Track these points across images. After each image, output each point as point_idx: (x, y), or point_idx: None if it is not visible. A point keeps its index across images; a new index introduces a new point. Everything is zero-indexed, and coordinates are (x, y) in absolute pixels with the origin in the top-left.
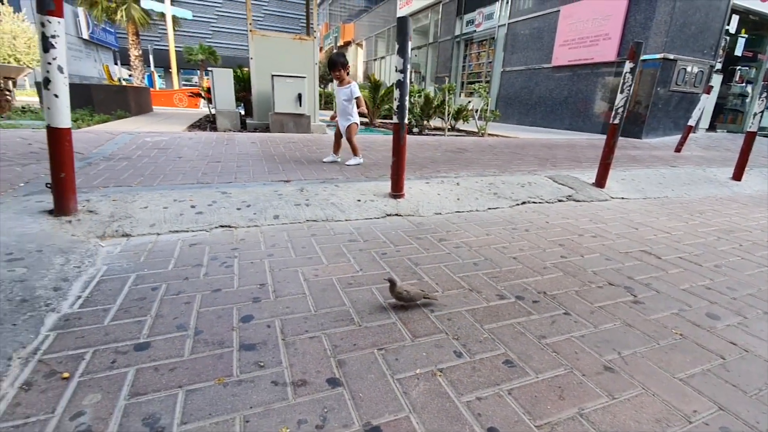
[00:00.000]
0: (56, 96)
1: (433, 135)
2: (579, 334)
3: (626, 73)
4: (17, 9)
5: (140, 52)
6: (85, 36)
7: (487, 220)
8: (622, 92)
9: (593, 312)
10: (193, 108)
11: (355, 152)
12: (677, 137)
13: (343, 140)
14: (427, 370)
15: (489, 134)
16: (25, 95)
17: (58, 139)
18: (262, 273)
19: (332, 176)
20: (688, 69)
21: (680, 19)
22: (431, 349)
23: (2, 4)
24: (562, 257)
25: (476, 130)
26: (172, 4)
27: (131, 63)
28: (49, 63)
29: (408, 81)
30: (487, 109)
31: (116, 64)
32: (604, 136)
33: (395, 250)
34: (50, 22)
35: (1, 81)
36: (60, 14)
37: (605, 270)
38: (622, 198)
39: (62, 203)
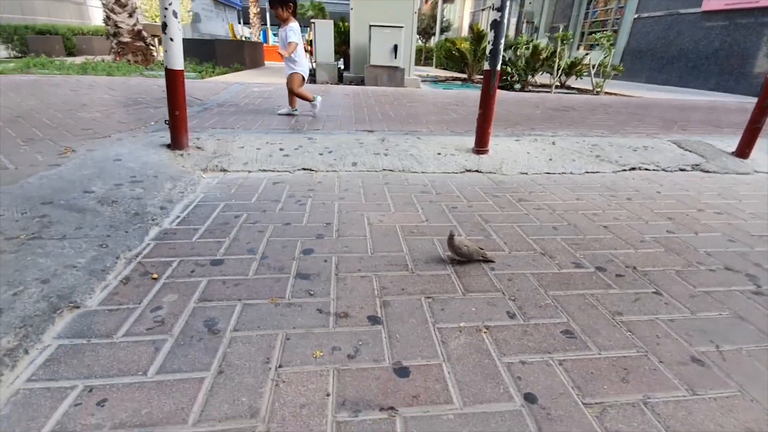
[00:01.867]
0: (171, 40)
1: (538, 92)
2: (668, 317)
3: None
4: None
5: (258, 9)
6: None
7: (581, 184)
8: None
9: (694, 296)
10: None
11: (308, 99)
12: None
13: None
14: (472, 325)
15: (606, 92)
16: None
17: (173, 80)
18: (331, 213)
19: (416, 129)
20: None
21: None
22: (482, 306)
23: None
24: (669, 232)
25: (590, 87)
26: None
27: (250, 20)
28: (166, 8)
29: (505, 21)
30: (607, 64)
31: (240, 23)
32: None
33: (467, 205)
34: None
35: (149, 38)
36: None
37: (724, 252)
38: None
39: (176, 139)
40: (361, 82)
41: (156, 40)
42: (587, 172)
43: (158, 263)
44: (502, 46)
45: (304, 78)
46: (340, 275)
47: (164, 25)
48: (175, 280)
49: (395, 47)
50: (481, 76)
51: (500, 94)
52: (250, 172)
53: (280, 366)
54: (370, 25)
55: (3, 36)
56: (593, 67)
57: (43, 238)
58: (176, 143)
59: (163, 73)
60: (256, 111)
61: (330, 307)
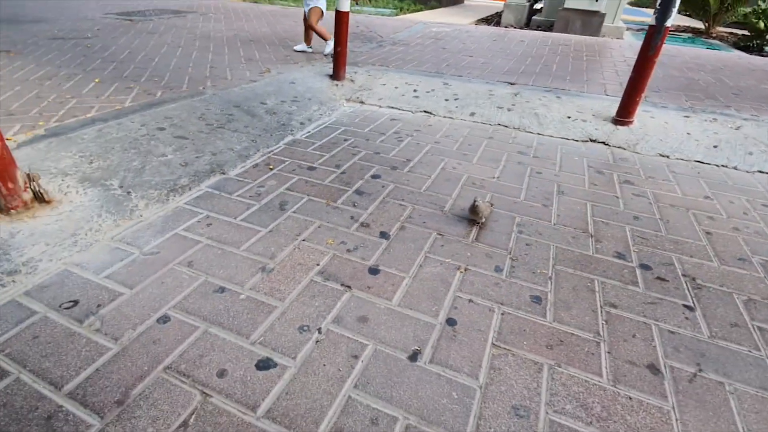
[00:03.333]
0: None
1: None
2: (670, 327)
3: None
4: None
5: None
6: None
7: (733, 184)
8: None
9: (737, 326)
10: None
11: (324, 37)
12: None
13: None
14: (456, 263)
15: None
16: None
17: (339, 20)
18: (417, 152)
19: (566, 87)
20: None
21: None
22: (478, 254)
23: None
24: None
25: None
26: None
27: None
28: None
29: None
30: None
31: None
32: None
33: (554, 173)
34: None
35: None
36: None
37: None
38: None
39: (336, 71)
40: (550, 27)
41: None
42: (760, 171)
43: (278, 160)
44: None
45: (323, 12)
46: (386, 199)
47: None
48: (281, 172)
49: None
50: (727, 30)
51: (730, 57)
52: (380, 107)
53: (303, 240)
54: None
55: None
56: None
57: (224, 129)
58: (335, 75)
59: (365, 8)
60: (420, 51)
61: (361, 217)
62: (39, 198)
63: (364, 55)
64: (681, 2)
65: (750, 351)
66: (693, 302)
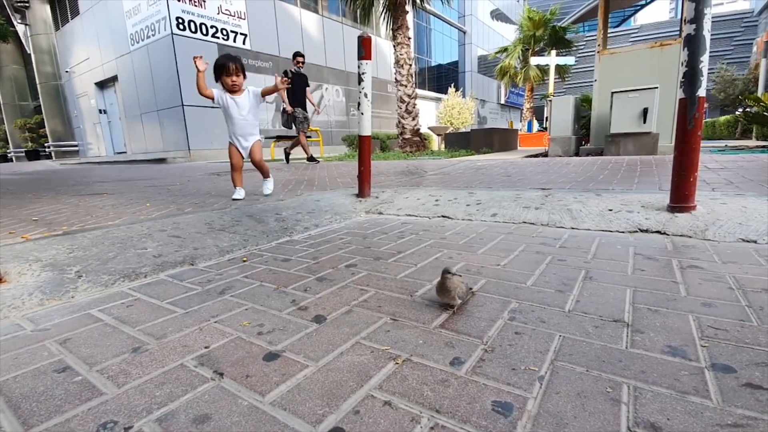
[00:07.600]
0: (362, 114)
1: None
2: None
3: None
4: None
5: (531, 105)
6: (502, 101)
7: None
8: None
9: None
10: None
11: (267, 174)
12: None
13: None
14: (395, 353)
15: None
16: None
17: (362, 144)
18: (413, 246)
19: (609, 187)
20: None
21: None
22: (435, 342)
23: (450, 87)
24: None
25: None
26: (557, 56)
27: (523, 114)
28: (360, 91)
29: (704, 33)
30: None
31: (521, 121)
32: None
33: (584, 261)
34: (362, 64)
35: (435, 136)
36: (369, 58)
37: None
38: None
39: (360, 189)
40: (600, 153)
41: (440, 138)
42: None
43: (258, 254)
44: (701, 65)
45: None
46: (348, 284)
47: (359, 104)
48: (253, 263)
49: (645, 111)
50: None
51: None
52: (398, 216)
53: (215, 321)
54: (612, 92)
55: (348, 140)
56: None
57: (225, 231)
58: (360, 192)
59: (423, 158)
60: (456, 177)
61: (305, 301)
62: None
63: (401, 183)
64: (752, 122)
65: None
66: None
